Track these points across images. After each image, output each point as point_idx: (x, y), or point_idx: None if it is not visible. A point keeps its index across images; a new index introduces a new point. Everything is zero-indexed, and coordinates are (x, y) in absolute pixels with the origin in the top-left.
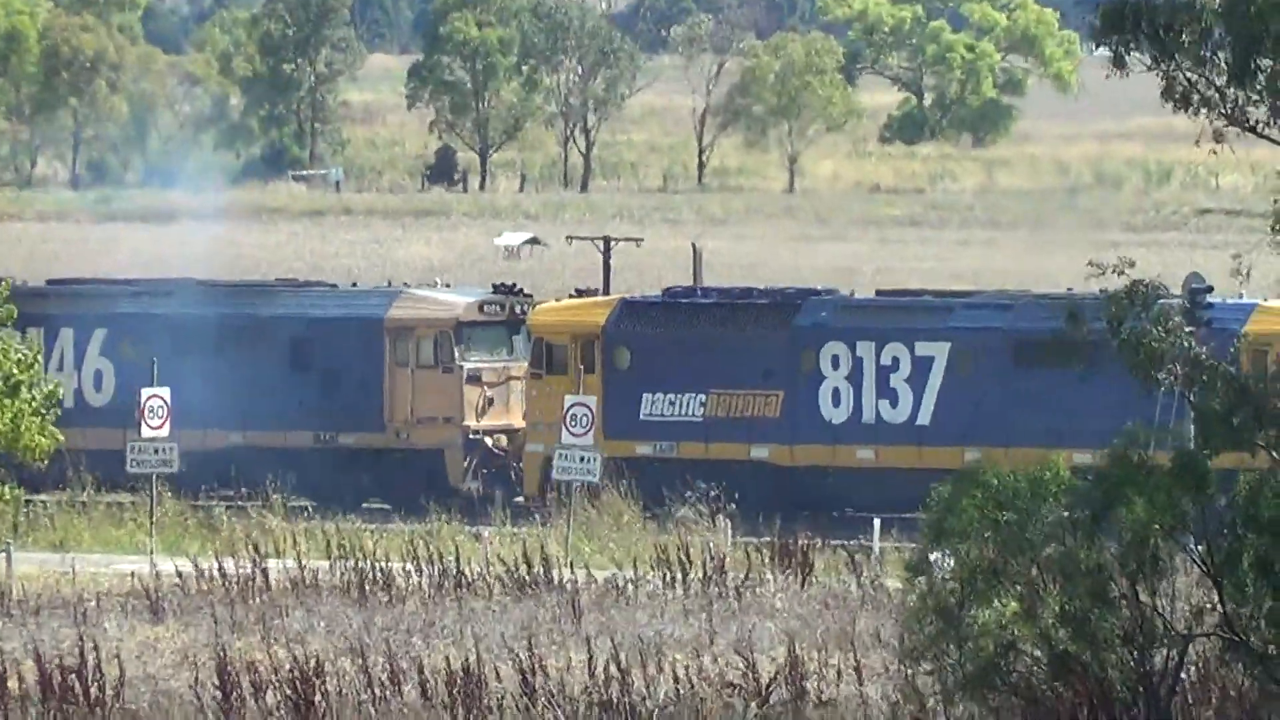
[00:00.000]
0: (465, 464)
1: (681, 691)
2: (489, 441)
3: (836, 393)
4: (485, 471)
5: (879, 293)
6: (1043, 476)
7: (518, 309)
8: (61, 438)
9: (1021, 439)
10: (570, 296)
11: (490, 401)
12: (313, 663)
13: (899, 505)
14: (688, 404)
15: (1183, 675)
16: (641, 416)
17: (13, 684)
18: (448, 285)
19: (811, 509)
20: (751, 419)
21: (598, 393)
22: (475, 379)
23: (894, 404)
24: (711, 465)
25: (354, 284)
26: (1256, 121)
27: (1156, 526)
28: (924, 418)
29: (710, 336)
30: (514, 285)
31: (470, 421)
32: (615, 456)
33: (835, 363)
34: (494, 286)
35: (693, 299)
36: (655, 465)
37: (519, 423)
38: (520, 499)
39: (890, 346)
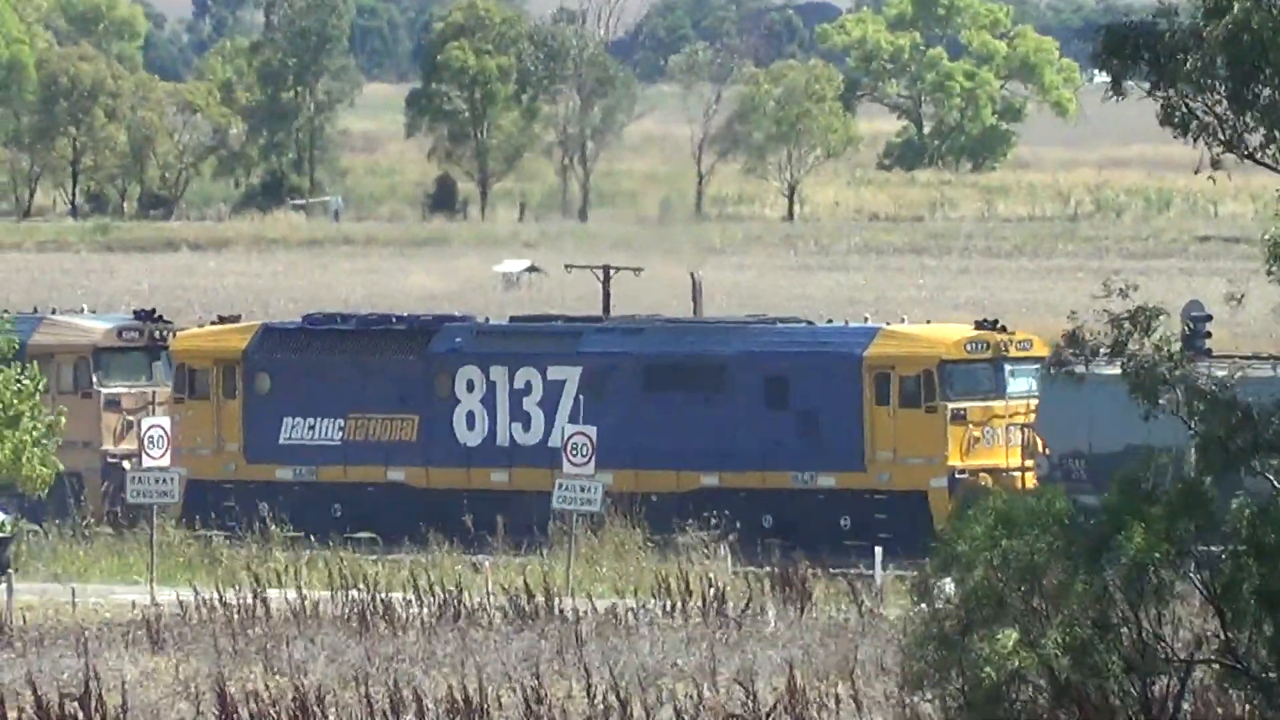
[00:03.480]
0: (104, 488)
1: None
2: (127, 466)
3: (471, 416)
4: (124, 496)
5: (513, 318)
6: (1041, 505)
7: (158, 335)
8: (62, 467)
9: (652, 462)
10: (213, 323)
11: (129, 426)
12: (313, 693)
13: (534, 526)
14: (327, 428)
15: (1184, 703)
16: (281, 441)
17: (12, 715)
18: (93, 312)
19: (448, 530)
20: (389, 442)
21: (238, 418)
22: (114, 404)
23: (527, 427)
24: (350, 488)
25: (4, 311)
26: (1255, 148)
27: (1157, 555)
28: (556, 440)
29: (348, 362)
30: (154, 311)
31: (109, 446)
32: (256, 480)
33: (470, 387)
34: (135, 313)
35: (331, 325)
36: (295, 489)
37: None
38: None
39: (523, 371)
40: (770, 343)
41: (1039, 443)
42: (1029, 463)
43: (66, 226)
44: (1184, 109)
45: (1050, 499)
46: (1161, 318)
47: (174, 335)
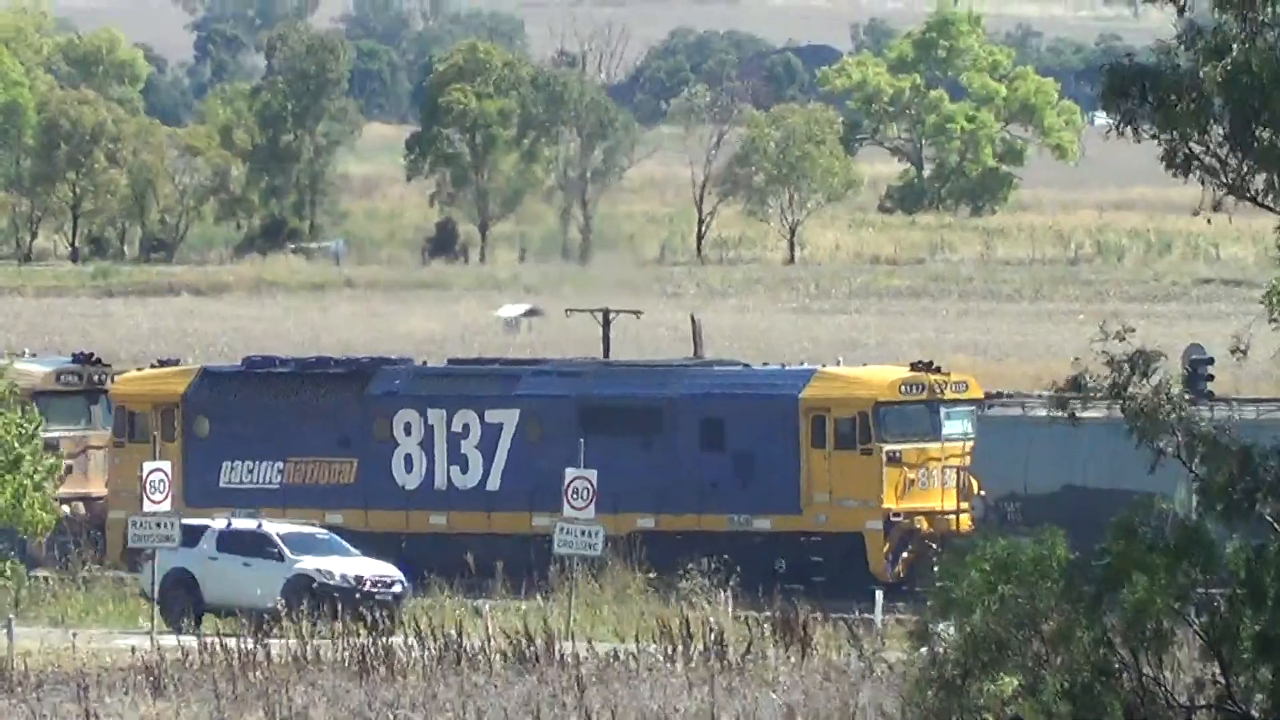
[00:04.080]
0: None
1: None
2: (66, 509)
3: (409, 459)
4: (63, 539)
5: (451, 361)
6: (1043, 551)
7: (96, 378)
8: (66, 510)
9: None
10: (152, 366)
11: (68, 470)
12: None
13: (470, 570)
14: (265, 471)
15: None
16: (221, 484)
17: None
18: (34, 355)
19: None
20: (327, 486)
21: (178, 461)
22: (53, 448)
23: (464, 470)
24: None
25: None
26: (1256, 191)
27: (1158, 603)
28: (493, 483)
29: (287, 405)
30: (92, 355)
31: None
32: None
33: (408, 429)
34: (73, 356)
35: (270, 368)
36: None
37: (98, 490)
38: (101, 565)
39: (461, 414)
40: (707, 385)
41: (974, 485)
42: (964, 505)
43: (66, 271)
44: (1186, 151)
45: (1052, 544)
46: (1160, 360)
47: (113, 379)
